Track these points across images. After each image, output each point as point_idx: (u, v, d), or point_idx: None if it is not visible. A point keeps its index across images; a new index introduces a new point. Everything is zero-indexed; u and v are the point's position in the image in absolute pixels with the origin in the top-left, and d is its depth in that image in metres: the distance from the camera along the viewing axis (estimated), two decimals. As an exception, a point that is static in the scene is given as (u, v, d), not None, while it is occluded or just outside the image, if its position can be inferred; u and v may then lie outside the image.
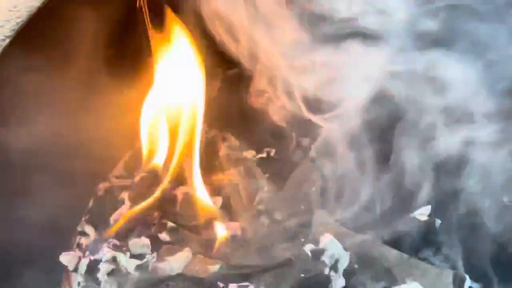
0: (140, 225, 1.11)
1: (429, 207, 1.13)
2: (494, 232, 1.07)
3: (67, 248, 1.16)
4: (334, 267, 1.04)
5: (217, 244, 1.08)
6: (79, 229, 1.17)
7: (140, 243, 1.07)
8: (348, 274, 1.04)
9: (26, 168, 1.10)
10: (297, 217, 1.12)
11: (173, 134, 1.16)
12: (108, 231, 1.11)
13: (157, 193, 1.11)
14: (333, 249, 1.05)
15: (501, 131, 1.05)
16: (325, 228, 1.09)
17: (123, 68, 1.17)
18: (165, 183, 1.12)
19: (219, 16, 1.12)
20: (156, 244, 1.08)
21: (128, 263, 1.06)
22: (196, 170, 1.13)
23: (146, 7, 1.15)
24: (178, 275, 1.04)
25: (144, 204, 1.12)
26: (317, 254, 1.05)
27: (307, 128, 1.19)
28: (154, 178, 1.14)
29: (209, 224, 1.10)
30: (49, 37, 1.07)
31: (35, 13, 1.00)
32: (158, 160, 1.16)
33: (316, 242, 1.07)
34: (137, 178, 1.16)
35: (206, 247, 1.07)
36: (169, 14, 1.15)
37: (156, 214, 1.12)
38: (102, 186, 1.22)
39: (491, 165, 1.06)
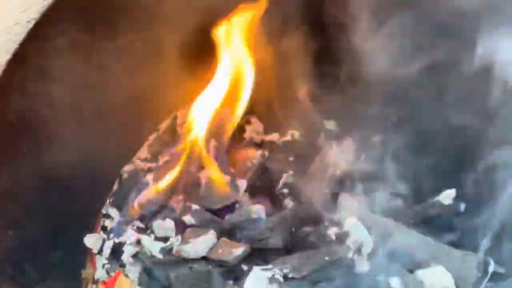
0: (164, 207, 1.11)
1: (454, 190, 1.13)
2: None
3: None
4: (358, 251, 1.04)
5: (241, 227, 1.08)
6: (103, 211, 1.18)
7: (165, 226, 1.07)
8: (372, 257, 1.04)
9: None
10: (322, 200, 1.12)
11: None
12: (132, 210, 1.11)
13: (182, 175, 1.11)
14: (358, 232, 1.05)
15: None
16: (349, 212, 1.09)
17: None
18: (190, 165, 1.12)
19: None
20: (181, 227, 1.08)
21: (152, 246, 1.06)
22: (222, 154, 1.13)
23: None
24: (202, 258, 1.04)
25: (169, 182, 1.12)
26: (341, 237, 1.05)
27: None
28: (179, 160, 1.13)
29: (233, 207, 1.10)
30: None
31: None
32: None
33: (340, 225, 1.07)
34: (161, 161, 1.16)
35: (230, 230, 1.07)
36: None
37: (180, 197, 1.12)
38: (126, 168, 1.22)
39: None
